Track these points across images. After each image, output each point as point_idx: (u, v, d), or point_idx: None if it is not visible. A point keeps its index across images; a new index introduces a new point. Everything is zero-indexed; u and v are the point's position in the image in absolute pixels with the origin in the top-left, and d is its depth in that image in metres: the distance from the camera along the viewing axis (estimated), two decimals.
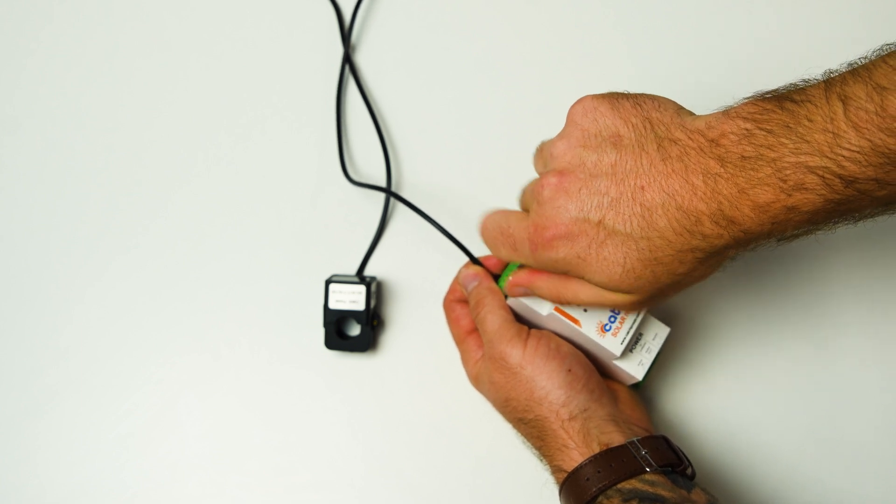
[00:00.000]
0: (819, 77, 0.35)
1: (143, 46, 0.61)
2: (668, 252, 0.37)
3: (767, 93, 0.36)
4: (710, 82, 0.58)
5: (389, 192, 0.55)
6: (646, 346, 0.48)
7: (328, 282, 0.54)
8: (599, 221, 0.38)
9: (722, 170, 0.35)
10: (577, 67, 0.59)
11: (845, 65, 0.35)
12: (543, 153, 0.44)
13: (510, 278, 0.47)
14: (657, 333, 0.48)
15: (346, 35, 0.60)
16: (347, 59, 0.59)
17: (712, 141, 0.36)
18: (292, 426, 0.54)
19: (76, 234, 0.58)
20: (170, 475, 0.54)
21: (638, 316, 0.47)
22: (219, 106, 0.60)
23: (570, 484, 0.42)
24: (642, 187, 0.37)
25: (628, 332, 0.46)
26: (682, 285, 0.40)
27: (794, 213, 0.34)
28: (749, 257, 0.42)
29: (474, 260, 0.52)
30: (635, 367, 0.47)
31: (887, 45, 0.34)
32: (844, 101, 0.33)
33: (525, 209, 0.46)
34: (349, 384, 0.55)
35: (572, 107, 0.42)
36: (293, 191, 0.58)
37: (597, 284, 0.40)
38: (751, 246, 0.37)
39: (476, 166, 0.58)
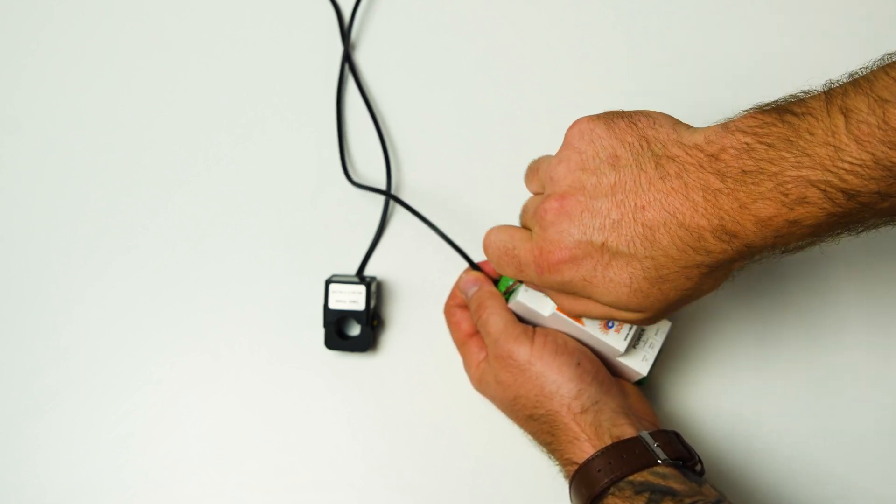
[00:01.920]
0: (820, 88, 0.35)
1: (143, 46, 0.61)
2: (674, 269, 0.37)
3: (767, 105, 0.36)
4: (709, 80, 0.58)
5: (389, 195, 0.55)
6: (648, 342, 0.48)
7: (328, 282, 0.54)
8: (603, 244, 0.38)
9: (722, 185, 0.35)
10: (577, 68, 0.59)
11: (846, 75, 0.34)
12: (540, 174, 0.44)
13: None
14: (659, 328, 0.48)
15: (345, 34, 0.60)
16: (347, 59, 0.59)
17: (712, 156, 0.36)
18: (292, 426, 0.54)
19: (76, 234, 0.58)
20: (170, 475, 0.54)
21: None
22: (219, 106, 0.60)
23: (582, 475, 0.43)
24: (643, 207, 0.37)
25: (631, 328, 0.47)
26: (691, 298, 0.40)
27: (796, 226, 0.34)
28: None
29: (474, 265, 0.52)
30: (639, 363, 0.48)
31: (889, 54, 0.34)
32: (846, 113, 0.33)
33: (525, 227, 0.46)
34: (349, 384, 0.55)
35: (569, 130, 0.42)
36: (293, 191, 0.58)
37: (605, 305, 0.40)
38: (756, 258, 0.37)
39: (476, 167, 0.58)
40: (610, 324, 0.47)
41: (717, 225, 0.36)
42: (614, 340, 0.46)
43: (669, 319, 0.48)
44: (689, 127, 0.39)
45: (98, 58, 0.61)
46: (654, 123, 0.39)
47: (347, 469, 0.54)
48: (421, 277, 0.56)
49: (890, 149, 0.32)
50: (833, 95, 0.34)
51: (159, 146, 0.59)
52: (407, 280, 0.56)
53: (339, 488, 0.53)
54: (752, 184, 0.34)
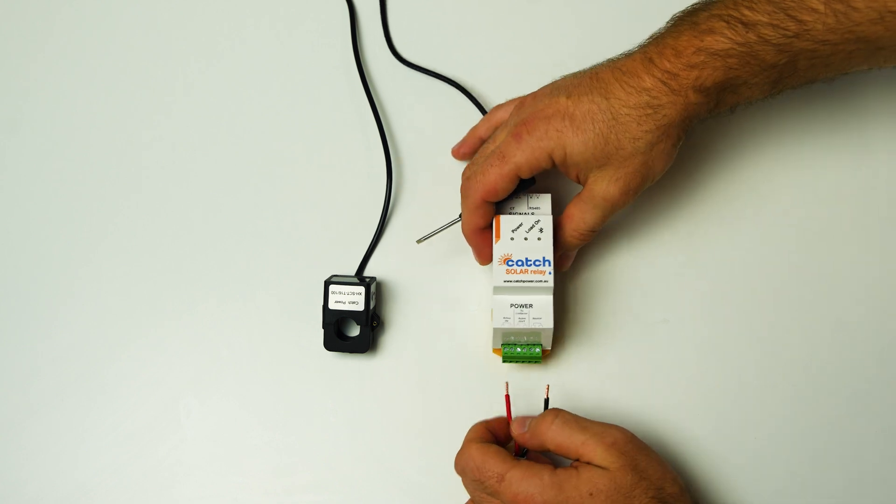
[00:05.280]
0: None
1: (141, 40, 0.61)
2: (623, 111, 0.46)
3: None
4: None
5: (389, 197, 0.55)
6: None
7: (328, 282, 0.54)
8: (568, 95, 0.47)
9: (654, 46, 0.46)
10: None
11: None
12: (502, 116, 0.53)
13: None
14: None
15: (354, 32, 0.60)
16: (356, 56, 0.59)
17: (641, 47, 0.48)
18: (292, 427, 0.54)
19: (76, 234, 0.58)
20: (169, 476, 0.54)
21: None
22: (218, 105, 0.60)
23: None
24: (596, 73, 0.48)
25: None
26: (648, 165, 0.47)
27: (706, 55, 0.44)
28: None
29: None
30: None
31: None
32: None
33: (489, 150, 0.50)
34: (349, 385, 0.55)
35: (523, 98, 0.51)
36: (293, 191, 0.58)
37: (577, 155, 0.47)
38: (694, 111, 0.46)
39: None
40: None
41: (647, 62, 0.46)
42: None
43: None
44: None
45: (97, 56, 0.61)
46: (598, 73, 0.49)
47: (347, 470, 0.54)
48: (421, 278, 0.56)
49: None
50: None
51: (159, 146, 0.59)
52: (407, 280, 0.56)
53: (339, 489, 0.53)
54: (674, 31, 0.46)
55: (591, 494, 0.43)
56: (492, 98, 0.59)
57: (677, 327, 0.54)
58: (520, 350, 0.50)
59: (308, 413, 0.55)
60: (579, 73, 0.49)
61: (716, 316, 0.55)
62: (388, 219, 0.57)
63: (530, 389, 0.53)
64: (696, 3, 0.47)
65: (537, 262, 0.49)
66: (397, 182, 0.58)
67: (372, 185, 0.57)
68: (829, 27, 0.42)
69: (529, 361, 0.51)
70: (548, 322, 0.49)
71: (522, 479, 0.44)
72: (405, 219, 0.57)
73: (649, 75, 0.46)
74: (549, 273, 0.49)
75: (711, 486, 0.52)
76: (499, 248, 0.49)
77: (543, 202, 0.51)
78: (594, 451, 0.44)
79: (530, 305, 0.49)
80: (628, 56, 0.48)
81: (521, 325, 0.49)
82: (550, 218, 0.50)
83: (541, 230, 0.50)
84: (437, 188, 0.57)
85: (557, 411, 0.46)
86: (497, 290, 0.49)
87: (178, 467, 0.54)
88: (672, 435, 0.53)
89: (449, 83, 0.59)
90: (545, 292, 0.49)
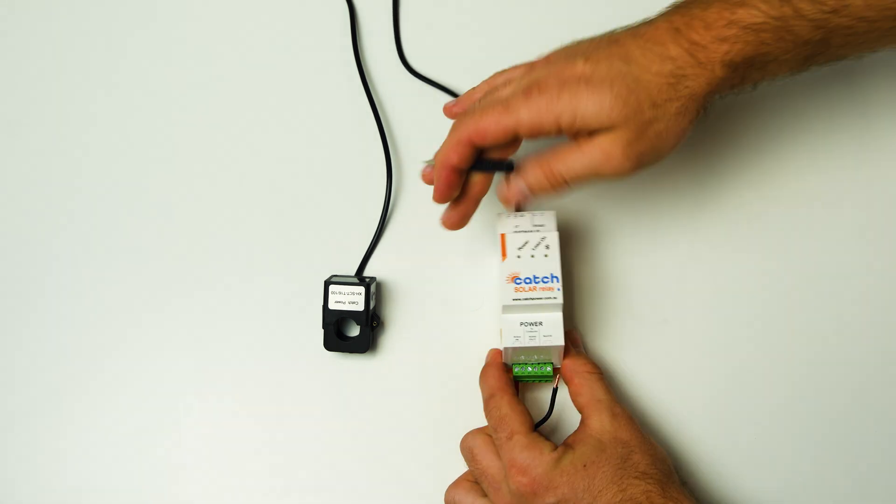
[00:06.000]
0: None
1: (145, 45, 0.61)
2: (645, 76, 0.43)
3: None
4: None
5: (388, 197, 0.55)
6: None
7: (328, 282, 0.54)
8: (586, 59, 0.44)
9: (680, 16, 0.44)
10: None
11: None
12: (508, 77, 0.48)
13: (508, 187, 0.48)
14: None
15: (354, 32, 0.60)
16: (356, 56, 0.59)
17: (672, 7, 0.45)
18: (292, 427, 0.54)
19: (76, 234, 0.58)
20: (169, 476, 0.54)
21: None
22: (218, 105, 0.60)
23: None
24: (616, 39, 0.45)
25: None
26: (661, 137, 0.44)
27: (738, 29, 0.42)
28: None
29: None
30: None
31: None
32: None
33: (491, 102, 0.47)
34: (349, 385, 0.55)
35: (537, 60, 0.47)
36: (293, 191, 0.58)
37: (590, 117, 0.43)
38: (718, 86, 0.43)
39: None
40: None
41: (675, 32, 0.43)
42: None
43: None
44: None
45: (97, 56, 0.61)
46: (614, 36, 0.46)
47: (347, 469, 0.54)
48: (421, 278, 0.56)
49: None
50: None
51: (158, 145, 0.59)
52: (407, 280, 0.56)
53: (339, 489, 0.53)
54: (703, 4, 0.43)
55: (584, 466, 0.45)
56: None
57: (677, 327, 0.54)
58: (531, 369, 0.50)
59: (308, 413, 0.55)
60: (595, 37, 0.46)
61: (716, 316, 0.54)
62: (388, 219, 0.57)
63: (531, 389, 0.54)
64: None
65: (545, 279, 0.48)
66: (397, 182, 0.58)
67: (372, 186, 0.57)
68: (868, 3, 0.41)
69: (541, 380, 0.52)
70: (558, 339, 0.48)
71: (524, 448, 0.46)
72: (405, 219, 0.57)
73: (675, 44, 0.43)
74: (558, 290, 0.48)
75: (711, 485, 0.52)
76: (506, 267, 0.49)
77: (548, 219, 0.51)
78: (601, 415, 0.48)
79: (540, 323, 0.49)
80: (650, 24, 0.45)
81: (532, 344, 0.48)
82: (556, 234, 0.50)
83: (547, 247, 0.49)
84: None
85: (602, 376, 0.50)
86: (506, 308, 0.49)
87: (178, 467, 0.54)
88: (672, 435, 0.53)
89: (451, 95, 0.58)
90: (554, 309, 0.49)
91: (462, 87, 0.58)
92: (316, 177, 0.58)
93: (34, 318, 0.57)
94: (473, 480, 0.50)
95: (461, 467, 0.53)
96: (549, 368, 0.50)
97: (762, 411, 0.53)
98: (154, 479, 0.54)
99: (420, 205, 0.57)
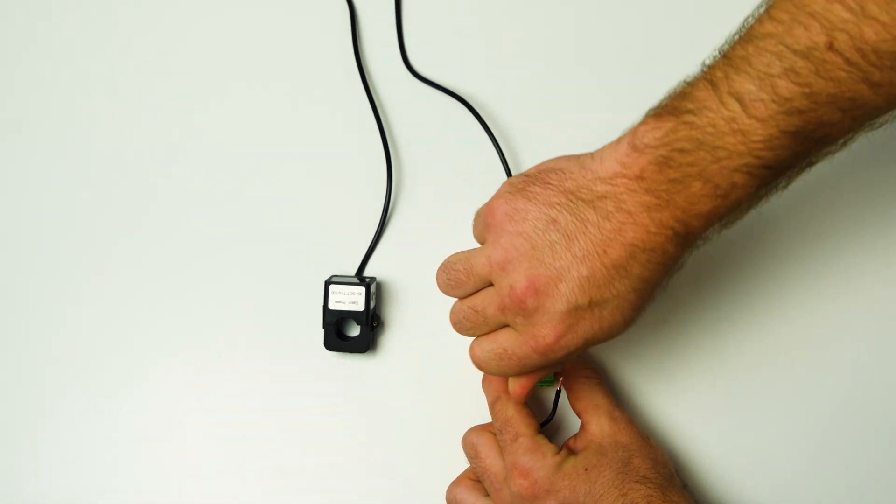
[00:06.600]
0: (699, 74, 0.37)
1: (140, 41, 0.61)
2: (652, 285, 0.40)
3: (657, 109, 0.38)
4: None
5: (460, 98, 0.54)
6: None
7: (328, 282, 0.54)
8: (589, 301, 0.39)
9: (659, 200, 0.37)
10: (593, 66, 0.59)
11: (716, 52, 0.36)
12: (479, 271, 0.43)
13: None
14: None
15: (354, 32, 0.60)
16: (356, 55, 0.59)
17: (636, 178, 0.38)
18: (291, 427, 0.54)
19: (74, 233, 0.58)
20: (168, 476, 0.54)
21: None
22: (218, 106, 0.60)
23: None
24: (604, 251, 0.38)
25: None
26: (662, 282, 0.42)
27: (733, 204, 0.37)
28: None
29: None
30: None
31: (748, 17, 0.36)
32: (739, 98, 0.35)
33: (498, 324, 0.44)
34: (349, 385, 0.55)
35: (490, 218, 0.42)
36: (293, 191, 0.58)
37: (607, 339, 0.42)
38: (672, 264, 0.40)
39: (481, 167, 0.57)
40: None
41: (671, 235, 0.38)
42: None
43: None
44: (591, 155, 0.40)
45: (97, 57, 0.61)
46: (564, 173, 0.40)
47: (347, 470, 0.54)
48: (421, 277, 0.56)
49: (789, 116, 0.34)
50: (716, 82, 0.36)
51: (158, 147, 0.59)
52: (407, 280, 0.56)
53: (339, 489, 0.54)
54: (684, 189, 0.37)
55: (586, 470, 0.45)
56: (495, 112, 0.58)
57: (677, 327, 0.54)
58: None
59: (308, 413, 0.55)
60: (575, 239, 0.39)
61: (716, 316, 0.55)
62: (388, 219, 0.57)
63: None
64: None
65: None
66: (397, 182, 0.58)
67: (372, 186, 0.57)
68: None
69: (542, 385, 0.52)
70: None
71: (528, 451, 0.46)
72: (405, 219, 0.57)
73: (675, 246, 0.39)
74: None
75: (711, 485, 0.52)
76: None
77: None
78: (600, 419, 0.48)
79: None
80: (643, 229, 0.38)
81: None
82: None
83: None
84: (437, 188, 0.57)
85: (601, 381, 0.50)
86: None
87: (178, 467, 0.54)
88: (672, 435, 0.53)
89: (457, 99, 0.58)
90: None
91: (462, 87, 0.58)
92: (316, 177, 0.58)
93: (34, 318, 0.57)
94: (475, 478, 0.50)
95: (461, 467, 0.53)
96: (550, 375, 0.50)
97: (762, 412, 0.53)
98: (154, 479, 0.54)
99: (420, 205, 0.57)
